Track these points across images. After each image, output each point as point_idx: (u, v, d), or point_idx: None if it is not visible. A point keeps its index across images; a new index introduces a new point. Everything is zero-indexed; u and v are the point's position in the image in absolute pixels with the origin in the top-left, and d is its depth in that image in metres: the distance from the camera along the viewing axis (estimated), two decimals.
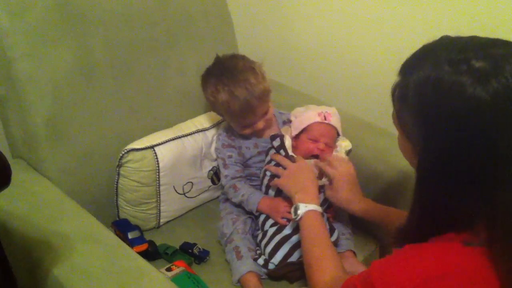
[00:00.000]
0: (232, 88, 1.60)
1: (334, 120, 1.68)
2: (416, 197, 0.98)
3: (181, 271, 1.49)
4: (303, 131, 1.68)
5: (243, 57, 1.71)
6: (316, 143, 1.66)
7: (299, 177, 1.53)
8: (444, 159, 0.90)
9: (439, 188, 0.93)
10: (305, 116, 1.68)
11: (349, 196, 1.51)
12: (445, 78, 0.87)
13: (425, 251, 0.94)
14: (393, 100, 1.01)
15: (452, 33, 0.99)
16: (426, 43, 0.99)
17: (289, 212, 1.51)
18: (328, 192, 1.54)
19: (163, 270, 1.49)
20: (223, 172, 1.74)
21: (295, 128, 1.69)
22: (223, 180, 1.75)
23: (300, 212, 1.43)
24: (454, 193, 0.91)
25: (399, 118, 1.00)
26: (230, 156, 1.73)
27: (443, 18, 1.82)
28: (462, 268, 0.89)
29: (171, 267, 1.51)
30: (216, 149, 1.79)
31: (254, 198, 1.65)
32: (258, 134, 1.75)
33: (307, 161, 1.61)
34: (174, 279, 1.44)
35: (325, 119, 1.66)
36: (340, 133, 1.71)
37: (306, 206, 1.43)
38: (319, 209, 1.44)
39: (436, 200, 0.94)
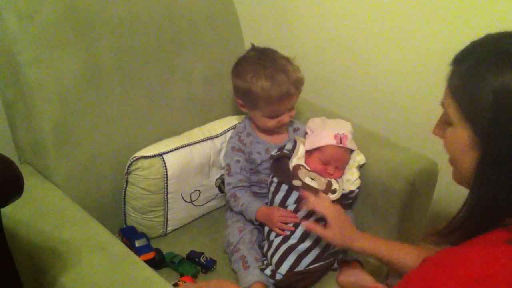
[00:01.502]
0: (274, 73, 1.62)
1: (350, 142, 1.68)
2: (476, 185, 0.98)
3: None
4: (316, 149, 1.67)
5: (276, 51, 1.74)
6: (326, 166, 1.65)
7: (344, 225, 1.46)
8: None
9: (504, 174, 0.93)
10: (321, 136, 1.68)
11: (351, 235, 1.46)
12: None
13: (466, 254, 0.93)
14: (454, 90, 1.00)
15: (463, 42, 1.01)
16: (488, 35, 0.99)
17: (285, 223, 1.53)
18: (329, 233, 1.45)
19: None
20: (227, 179, 1.74)
21: (309, 144, 1.69)
22: (226, 188, 1.74)
23: None
24: None
25: (462, 105, 0.98)
26: (237, 161, 1.72)
27: (450, 28, 1.81)
28: (510, 268, 0.88)
29: (178, 283, 1.49)
30: (226, 152, 1.78)
31: (252, 208, 1.65)
32: (279, 129, 1.75)
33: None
34: None
35: (340, 142, 1.65)
36: (355, 149, 1.71)
37: None
38: None
39: (498, 188, 0.94)
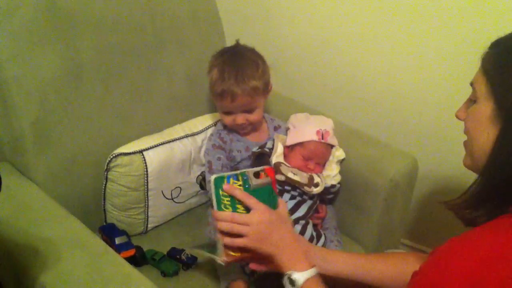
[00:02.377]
0: (227, 69, 1.62)
1: (331, 137, 1.69)
2: (491, 162, 1.02)
3: (266, 184, 1.30)
4: (298, 144, 1.67)
5: (258, 54, 1.73)
6: (307, 162, 1.66)
7: (274, 235, 1.24)
8: None
9: None
10: (303, 131, 1.68)
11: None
12: None
13: (476, 238, 0.95)
14: (486, 65, 1.06)
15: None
16: None
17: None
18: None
19: (250, 173, 1.30)
20: (207, 177, 1.73)
21: (291, 139, 1.69)
22: (207, 186, 1.73)
23: (298, 284, 1.19)
24: None
25: (491, 80, 1.03)
26: (218, 159, 1.72)
27: (434, 28, 1.83)
28: None
29: (260, 173, 1.31)
30: (206, 150, 1.77)
31: None
32: (241, 130, 1.74)
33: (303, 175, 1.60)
34: (256, 190, 1.27)
35: (322, 138, 1.66)
36: (336, 144, 1.71)
37: (302, 275, 1.19)
38: (315, 272, 1.21)
39: None
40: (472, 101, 1.09)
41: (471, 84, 1.09)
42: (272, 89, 1.75)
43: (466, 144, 1.12)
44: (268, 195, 1.29)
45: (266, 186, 1.29)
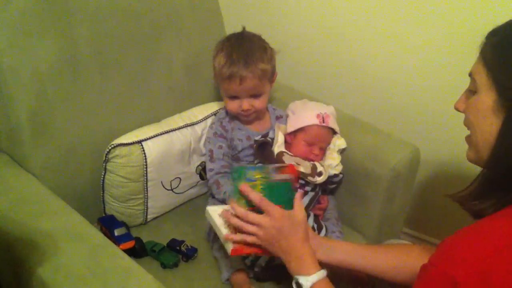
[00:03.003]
0: (234, 52, 1.63)
1: (332, 121, 1.67)
2: (497, 149, 1.01)
3: (286, 180, 1.33)
4: (299, 130, 1.65)
5: (264, 40, 1.73)
6: (311, 147, 1.65)
7: (283, 242, 1.26)
8: None
9: None
10: (303, 115, 1.66)
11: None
12: None
13: (486, 225, 0.95)
14: (485, 56, 1.04)
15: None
16: None
17: None
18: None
19: (271, 167, 1.33)
20: (208, 165, 1.72)
21: (292, 125, 1.67)
22: (208, 174, 1.72)
23: None
24: None
25: (491, 70, 1.02)
26: (220, 147, 1.71)
27: (435, 16, 1.81)
28: None
29: (281, 168, 1.35)
30: (207, 138, 1.76)
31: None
32: (245, 118, 1.73)
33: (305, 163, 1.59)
34: (275, 184, 1.30)
35: (323, 121, 1.64)
36: (338, 131, 1.70)
37: (307, 280, 1.21)
38: (323, 275, 1.23)
39: None
40: (471, 92, 1.07)
41: (470, 74, 1.08)
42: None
43: (468, 138, 1.11)
44: (286, 192, 1.31)
45: (286, 182, 1.31)
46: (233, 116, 1.75)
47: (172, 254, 1.58)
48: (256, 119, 1.75)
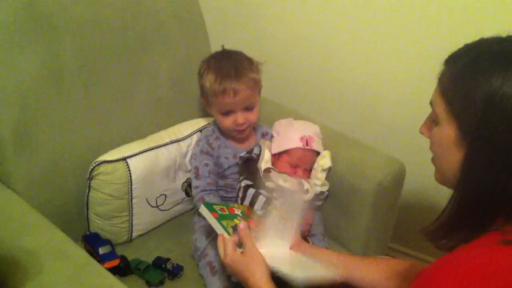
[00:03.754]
0: (223, 66, 1.62)
1: (316, 143, 1.68)
2: (461, 183, 0.99)
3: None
4: (283, 152, 1.66)
5: (246, 55, 1.73)
6: (295, 169, 1.66)
7: (243, 279, 1.29)
8: (500, 144, 0.92)
9: (489, 172, 0.94)
10: (287, 138, 1.67)
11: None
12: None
13: (462, 257, 0.93)
14: (444, 87, 1.02)
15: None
16: (481, 38, 1.01)
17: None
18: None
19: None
20: (194, 183, 1.71)
21: (276, 147, 1.68)
22: (193, 192, 1.71)
23: None
24: (504, 178, 0.93)
25: (450, 102, 1.00)
26: (206, 165, 1.69)
27: (423, 34, 1.82)
28: (506, 266, 0.88)
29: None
30: (193, 155, 1.75)
31: None
32: (238, 133, 1.72)
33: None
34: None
35: (307, 144, 1.64)
36: (321, 152, 1.70)
37: None
38: None
39: (482, 186, 0.96)
40: (434, 121, 1.05)
41: (431, 103, 1.06)
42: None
43: (433, 161, 1.10)
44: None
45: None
46: (220, 134, 1.75)
47: (157, 272, 1.56)
48: (242, 137, 1.75)
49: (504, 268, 0.87)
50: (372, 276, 1.35)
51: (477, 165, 0.96)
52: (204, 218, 1.44)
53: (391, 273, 1.32)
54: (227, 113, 1.67)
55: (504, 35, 0.99)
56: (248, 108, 1.67)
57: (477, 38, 1.02)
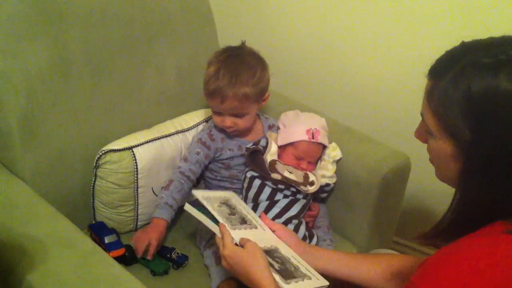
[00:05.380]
0: (222, 70, 1.59)
1: (322, 136, 1.67)
2: (461, 192, 1.00)
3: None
4: (289, 144, 1.66)
5: (260, 60, 1.68)
6: (299, 161, 1.66)
7: (242, 271, 1.27)
8: (496, 150, 0.91)
9: (486, 183, 0.94)
10: (293, 131, 1.67)
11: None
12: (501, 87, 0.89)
13: (465, 247, 0.93)
14: (433, 104, 0.99)
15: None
16: (463, 43, 1.00)
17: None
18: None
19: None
20: (180, 162, 1.71)
21: (282, 139, 1.68)
22: (175, 168, 1.70)
23: None
24: (502, 180, 0.93)
25: (442, 119, 0.97)
26: (197, 153, 1.69)
27: (424, 27, 1.82)
28: (510, 255, 0.89)
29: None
30: (192, 139, 1.75)
31: (159, 211, 1.60)
32: (229, 133, 1.71)
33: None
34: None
35: (313, 137, 1.64)
36: (327, 145, 1.70)
37: None
38: None
39: (481, 195, 0.96)
40: (428, 132, 1.03)
41: (421, 114, 1.04)
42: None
43: (432, 162, 1.09)
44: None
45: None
46: None
47: (162, 262, 1.56)
48: (245, 132, 1.74)
49: (508, 257, 0.88)
50: (373, 275, 1.35)
51: (475, 177, 0.96)
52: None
53: (393, 273, 1.32)
54: (217, 113, 1.67)
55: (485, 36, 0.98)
56: (237, 115, 1.65)
57: (458, 43, 1.00)
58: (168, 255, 1.58)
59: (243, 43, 1.72)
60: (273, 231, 1.44)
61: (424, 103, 1.02)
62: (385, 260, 1.37)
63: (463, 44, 0.99)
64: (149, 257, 1.53)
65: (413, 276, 0.95)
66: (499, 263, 0.88)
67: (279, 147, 1.68)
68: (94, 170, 1.59)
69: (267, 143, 1.67)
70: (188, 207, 1.44)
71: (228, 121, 1.65)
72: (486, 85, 0.90)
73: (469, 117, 0.92)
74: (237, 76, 1.59)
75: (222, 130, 1.72)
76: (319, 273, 1.35)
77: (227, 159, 1.72)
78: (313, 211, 1.71)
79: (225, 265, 1.30)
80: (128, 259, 1.55)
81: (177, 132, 1.74)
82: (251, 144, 1.68)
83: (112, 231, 1.60)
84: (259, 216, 1.51)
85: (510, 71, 0.88)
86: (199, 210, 1.42)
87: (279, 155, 1.66)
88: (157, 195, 1.68)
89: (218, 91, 1.58)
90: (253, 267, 1.24)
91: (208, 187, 1.80)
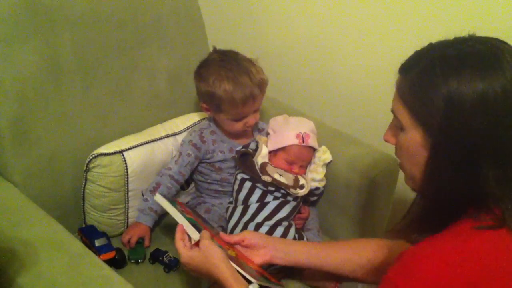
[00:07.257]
0: (237, 75, 1.61)
1: (312, 140, 1.69)
2: (429, 182, 1.02)
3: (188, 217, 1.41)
4: (279, 149, 1.68)
5: (238, 52, 1.72)
6: (291, 166, 1.67)
7: (204, 273, 1.29)
8: (463, 142, 0.95)
9: (452, 171, 0.97)
10: (283, 135, 1.68)
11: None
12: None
13: (438, 242, 0.96)
14: (404, 96, 1.04)
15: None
16: (430, 44, 1.04)
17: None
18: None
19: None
20: (170, 164, 1.71)
21: (273, 144, 1.69)
22: (163, 170, 1.71)
23: None
24: (468, 172, 0.96)
25: (413, 109, 1.01)
26: (188, 155, 1.70)
27: (411, 28, 1.83)
28: (479, 250, 0.92)
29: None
30: (183, 141, 1.76)
31: (140, 216, 1.65)
32: (245, 132, 1.75)
33: None
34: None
35: (303, 141, 1.65)
36: (317, 148, 1.71)
37: None
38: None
39: (446, 184, 0.98)
40: (398, 127, 1.07)
41: (392, 111, 1.08)
42: None
43: (402, 167, 1.12)
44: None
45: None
46: (217, 128, 1.76)
47: (138, 251, 1.61)
48: (238, 134, 1.76)
49: (479, 252, 0.92)
50: (343, 259, 1.37)
51: (442, 163, 0.98)
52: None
53: (362, 252, 1.36)
54: (236, 120, 1.68)
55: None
56: (256, 110, 1.69)
57: (426, 44, 1.04)
58: (160, 258, 1.59)
59: (215, 48, 1.75)
60: (242, 241, 1.42)
61: (396, 98, 1.06)
62: (357, 246, 1.40)
63: (430, 43, 1.04)
64: (127, 247, 1.62)
65: (389, 270, 0.97)
66: (470, 257, 0.91)
67: (270, 153, 1.69)
68: (85, 174, 1.59)
69: (256, 146, 1.68)
70: (158, 198, 1.45)
71: (252, 119, 1.68)
72: (452, 73, 0.94)
73: (437, 101, 0.95)
74: (250, 72, 1.62)
75: (213, 132, 1.73)
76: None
77: (218, 161, 1.73)
78: (303, 214, 1.72)
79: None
80: (118, 262, 1.55)
81: (168, 136, 1.74)
82: (241, 147, 1.69)
83: (102, 234, 1.60)
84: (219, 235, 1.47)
85: (475, 59, 0.94)
86: (170, 203, 1.43)
87: (270, 160, 1.67)
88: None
89: (248, 94, 1.61)
90: (210, 265, 1.25)
91: (199, 190, 1.81)
